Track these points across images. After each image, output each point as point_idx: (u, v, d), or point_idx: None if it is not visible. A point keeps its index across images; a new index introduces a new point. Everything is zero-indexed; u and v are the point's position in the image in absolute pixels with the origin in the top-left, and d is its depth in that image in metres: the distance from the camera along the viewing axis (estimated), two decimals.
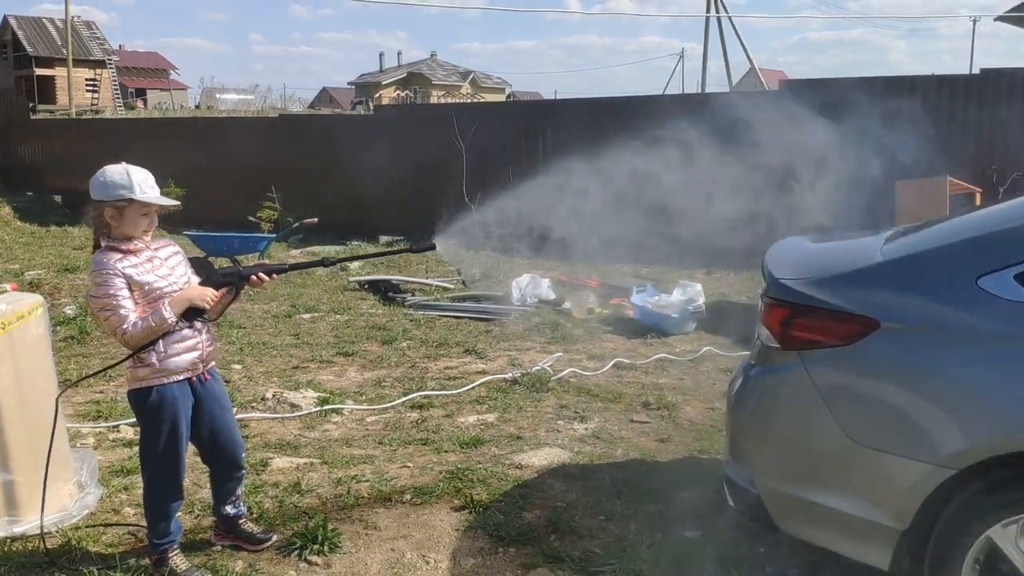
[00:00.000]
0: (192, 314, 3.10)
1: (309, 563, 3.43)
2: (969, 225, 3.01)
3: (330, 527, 3.61)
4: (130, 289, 3.00)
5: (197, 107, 48.41)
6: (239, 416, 5.15)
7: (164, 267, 3.14)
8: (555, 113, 13.03)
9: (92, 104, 43.79)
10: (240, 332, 7.33)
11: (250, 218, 12.73)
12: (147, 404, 3.12)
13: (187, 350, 3.15)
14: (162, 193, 3.15)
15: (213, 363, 3.35)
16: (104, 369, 4.19)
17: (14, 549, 3.46)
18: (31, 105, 26.20)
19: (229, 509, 3.48)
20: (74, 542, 3.49)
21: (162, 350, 3.08)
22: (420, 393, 5.58)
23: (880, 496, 2.79)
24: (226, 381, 5.86)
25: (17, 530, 3.53)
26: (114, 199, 3.00)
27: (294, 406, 5.34)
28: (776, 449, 3.11)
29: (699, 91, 33.46)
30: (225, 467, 3.42)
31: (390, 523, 3.79)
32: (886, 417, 2.79)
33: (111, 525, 3.70)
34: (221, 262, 9.91)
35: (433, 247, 3.70)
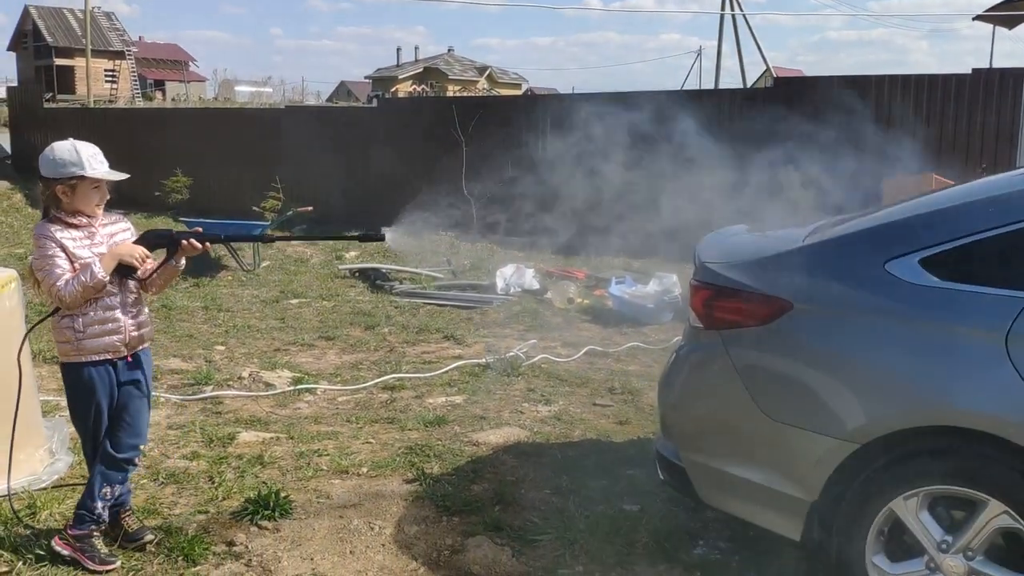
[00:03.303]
0: (124, 271, 3.13)
1: (259, 527, 3.60)
2: (882, 215, 3.14)
3: (283, 495, 3.78)
4: (68, 257, 3.07)
5: (215, 99, 48.89)
6: (214, 393, 5.36)
7: (104, 245, 3.16)
8: (557, 107, 13.12)
9: (111, 94, 44.35)
10: (227, 315, 7.54)
11: (254, 208, 12.93)
12: (68, 379, 3.21)
13: (107, 332, 3.16)
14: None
15: (146, 345, 3.35)
16: (33, 326, 3.66)
17: None
18: (50, 94, 26.50)
19: None
20: (39, 503, 3.68)
21: (81, 329, 3.11)
22: (393, 375, 5.75)
23: (790, 469, 2.93)
24: (207, 361, 6.10)
25: None
26: (65, 176, 3.07)
27: (268, 385, 5.53)
28: (698, 424, 3.27)
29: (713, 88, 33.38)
30: (116, 447, 3.29)
31: (343, 493, 3.96)
32: (796, 393, 2.93)
33: (67, 486, 3.83)
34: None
35: (383, 237, 3.80)
